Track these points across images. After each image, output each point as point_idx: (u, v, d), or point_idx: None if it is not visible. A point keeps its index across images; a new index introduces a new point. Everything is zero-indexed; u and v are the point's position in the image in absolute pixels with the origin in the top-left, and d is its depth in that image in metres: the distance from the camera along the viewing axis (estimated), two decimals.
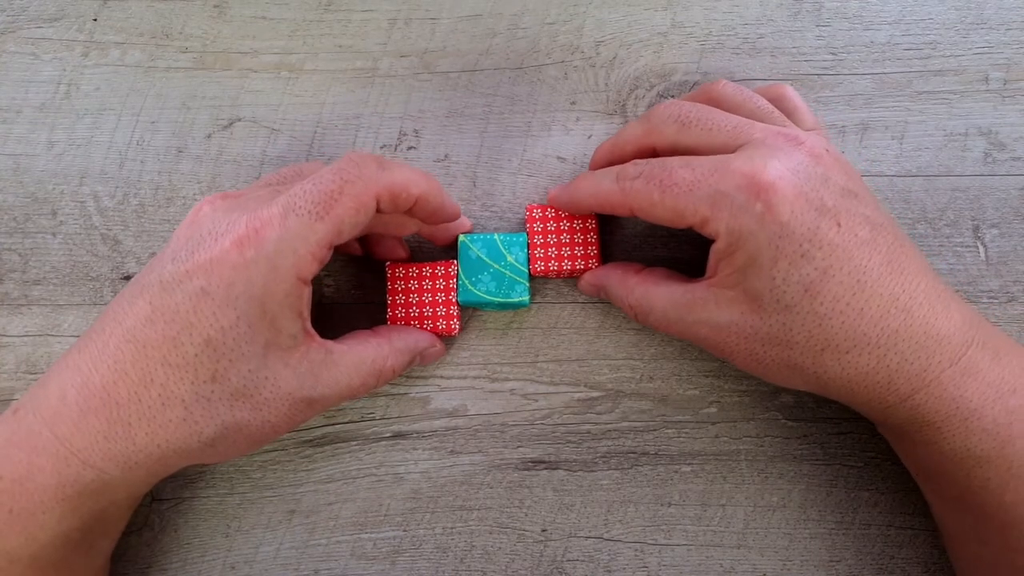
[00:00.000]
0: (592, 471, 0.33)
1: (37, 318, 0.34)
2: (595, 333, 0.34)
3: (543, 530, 0.33)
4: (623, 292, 0.30)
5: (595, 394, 0.34)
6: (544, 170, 0.35)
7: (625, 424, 0.33)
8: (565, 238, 0.32)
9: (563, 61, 0.35)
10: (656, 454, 0.33)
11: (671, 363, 0.34)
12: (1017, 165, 0.34)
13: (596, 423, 0.33)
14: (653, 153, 0.30)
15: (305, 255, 0.25)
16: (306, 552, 0.33)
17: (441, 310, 0.32)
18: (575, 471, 0.33)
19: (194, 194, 0.35)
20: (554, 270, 0.32)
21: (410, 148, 0.35)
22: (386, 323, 0.32)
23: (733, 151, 0.27)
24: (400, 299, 0.32)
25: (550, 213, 0.32)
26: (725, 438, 0.33)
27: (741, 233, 0.26)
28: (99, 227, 0.34)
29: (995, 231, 0.34)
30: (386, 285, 0.33)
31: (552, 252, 0.32)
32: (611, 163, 0.31)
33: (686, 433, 0.33)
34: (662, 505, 0.33)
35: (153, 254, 0.34)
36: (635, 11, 0.36)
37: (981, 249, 0.34)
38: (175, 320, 0.25)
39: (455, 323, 0.32)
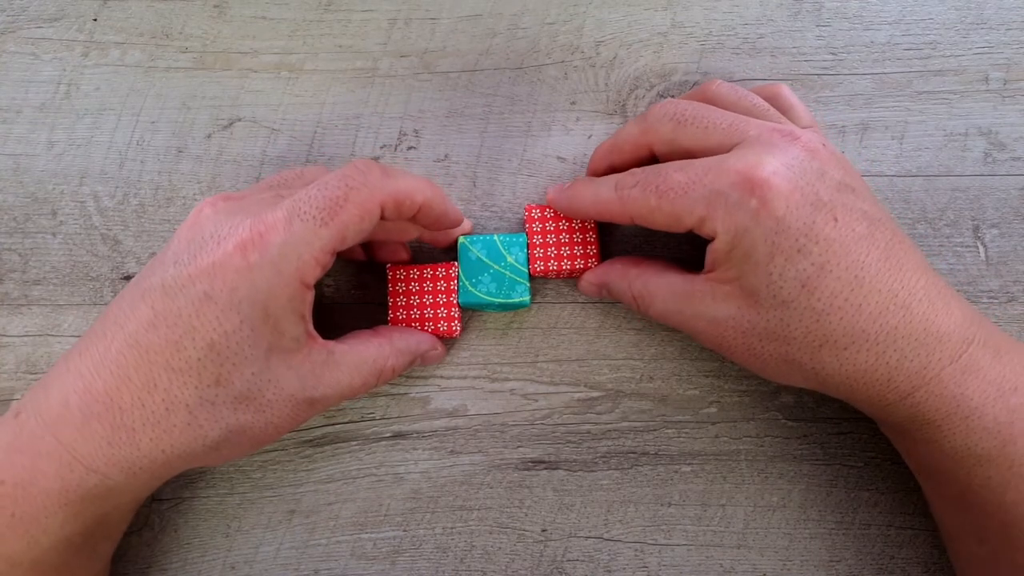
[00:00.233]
0: (592, 471, 0.33)
1: (37, 318, 0.34)
2: (595, 333, 0.34)
3: (543, 530, 0.33)
4: (624, 285, 0.30)
5: (595, 394, 0.34)
6: (544, 170, 0.35)
7: (625, 424, 0.33)
8: (564, 238, 0.32)
9: (563, 61, 0.35)
10: (656, 454, 0.33)
11: (671, 363, 0.34)
12: (1017, 165, 0.34)
13: (596, 423, 0.33)
14: (650, 153, 0.30)
15: (309, 260, 0.25)
16: (306, 552, 0.33)
17: (442, 312, 0.32)
18: (575, 471, 0.33)
19: (194, 194, 0.35)
20: (554, 270, 0.32)
21: (410, 148, 0.35)
22: (387, 324, 0.32)
23: (729, 150, 0.27)
24: (401, 301, 0.32)
25: (549, 213, 0.32)
26: (725, 438, 0.33)
27: (737, 230, 0.26)
28: (99, 227, 0.34)
29: (995, 231, 0.34)
30: (387, 287, 0.33)
31: (552, 252, 0.32)
32: (610, 164, 0.31)
33: (686, 433, 0.33)
34: (662, 505, 0.33)
35: (153, 254, 0.34)
36: (635, 11, 0.36)
37: (981, 249, 0.34)
38: (178, 324, 0.25)
39: (456, 324, 0.32)
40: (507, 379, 0.34)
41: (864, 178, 0.34)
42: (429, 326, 0.32)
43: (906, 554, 0.32)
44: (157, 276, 0.26)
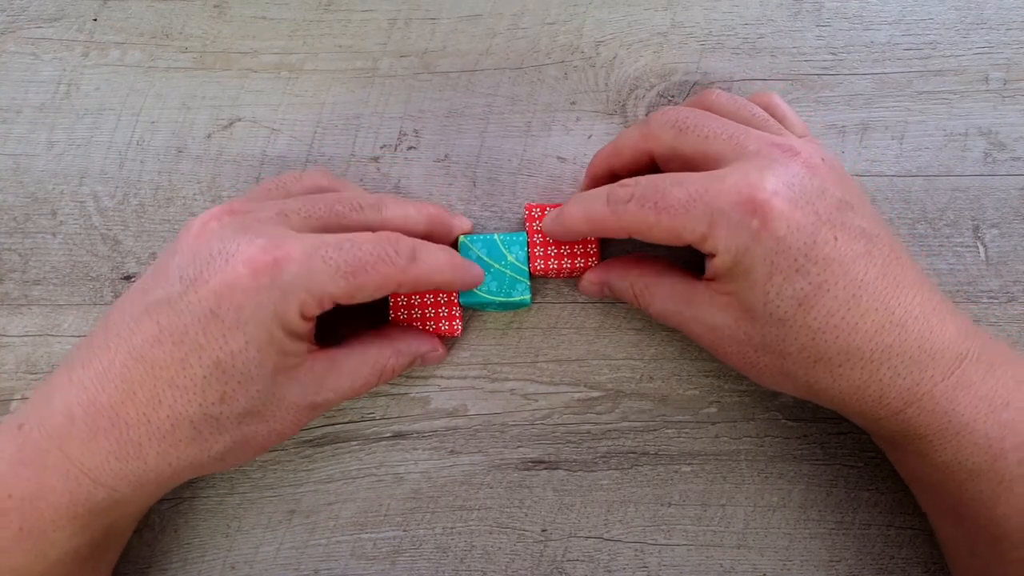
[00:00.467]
0: (592, 471, 0.33)
1: (37, 318, 0.34)
2: (595, 333, 0.34)
3: (543, 530, 0.33)
4: (626, 284, 0.31)
5: (595, 394, 0.34)
6: (544, 170, 0.35)
7: (625, 424, 0.33)
8: None
9: (563, 61, 0.35)
10: (656, 454, 0.33)
11: (671, 363, 0.34)
12: (1017, 165, 0.34)
13: (596, 423, 0.33)
14: (650, 159, 0.30)
15: (316, 299, 0.25)
16: (306, 552, 0.33)
17: (443, 311, 0.32)
18: (575, 471, 0.33)
19: (194, 194, 0.35)
20: (554, 269, 0.32)
21: (410, 148, 0.35)
22: (388, 323, 0.32)
23: (729, 162, 0.27)
24: (402, 300, 0.32)
25: (549, 212, 0.32)
26: (725, 438, 0.33)
27: (738, 250, 0.26)
28: (99, 227, 0.34)
29: (995, 231, 0.34)
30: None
31: (552, 251, 0.32)
32: (609, 168, 0.31)
33: (686, 433, 0.33)
34: (662, 505, 0.33)
35: (153, 254, 0.34)
36: (635, 11, 0.36)
37: (981, 249, 0.34)
38: (184, 342, 0.25)
39: (457, 324, 0.32)
40: (507, 379, 0.34)
41: (864, 178, 0.34)
42: (430, 325, 0.32)
43: (906, 554, 0.32)
44: (162, 290, 0.25)
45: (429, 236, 0.30)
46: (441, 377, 0.34)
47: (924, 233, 0.34)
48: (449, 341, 0.34)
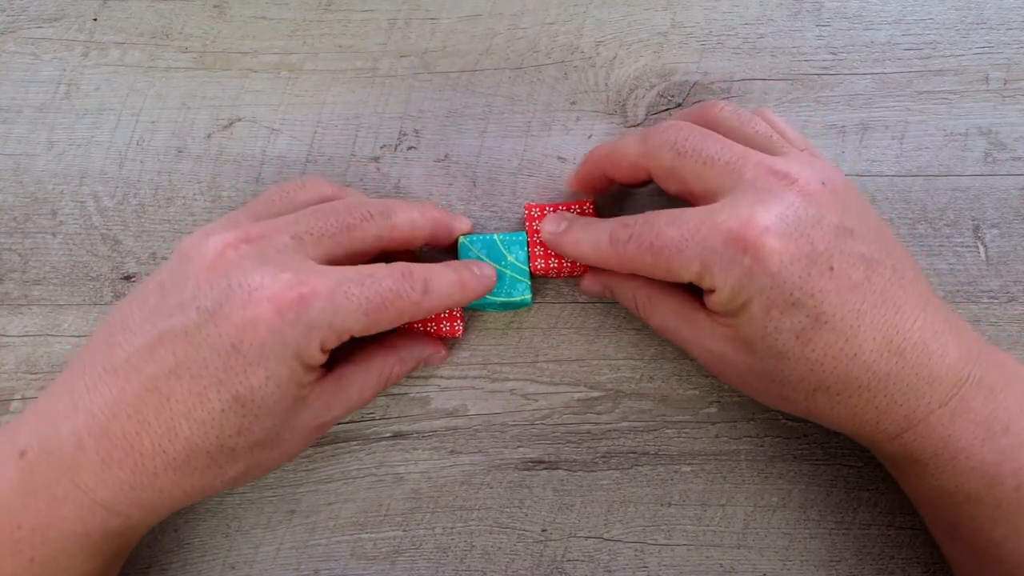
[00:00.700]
0: (592, 471, 0.33)
1: (37, 318, 0.34)
2: (595, 333, 0.34)
3: (543, 530, 0.33)
4: (628, 292, 0.31)
5: (595, 394, 0.34)
6: (544, 170, 0.35)
7: (625, 424, 0.33)
8: None
9: (563, 61, 0.35)
10: (656, 454, 0.33)
11: (671, 363, 0.34)
12: (1017, 165, 0.34)
13: (596, 423, 0.33)
14: (648, 175, 0.29)
15: (338, 334, 0.26)
16: (306, 552, 0.33)
17: (444, 312, 0.32)
18: (575, 471, 0.33)
19: (194, 194, 0.35)
20: (554, 268, 0.32)
21: (410, 148, 0.35)
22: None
23: (725, 191, 0.27)
24: None
25: (548, 212, 0.32)
26: (725, 438, 0.33)
27: (733, 287, 0.26)
28: (99, 227, 0.34)
29: (995, 231, 0.34)
30: None
31: (552, 250, 0.32)
32: (604, 172, 0.31)
33: (686, 433, 0.33)
34: (662, 505, 0.33)
35: (153, 254, 0.34)
36: (635, 11, 0.36)
37: (981, 249, 0.34)
38: (203, 376, 0.25)
39: (459, 325, 0.32)
40: (507, 379, 0.34)
41: (864, 178, 0.34)
42: (431, 327, 0.32)
43: (906, 554, 0.32)
44: (176, 319, 0.25)
45: (432, 239, 0.31)
46: (441, 377, 0.34)
47: (924, 233, 0.34)
48: (449, 341, 0.34)
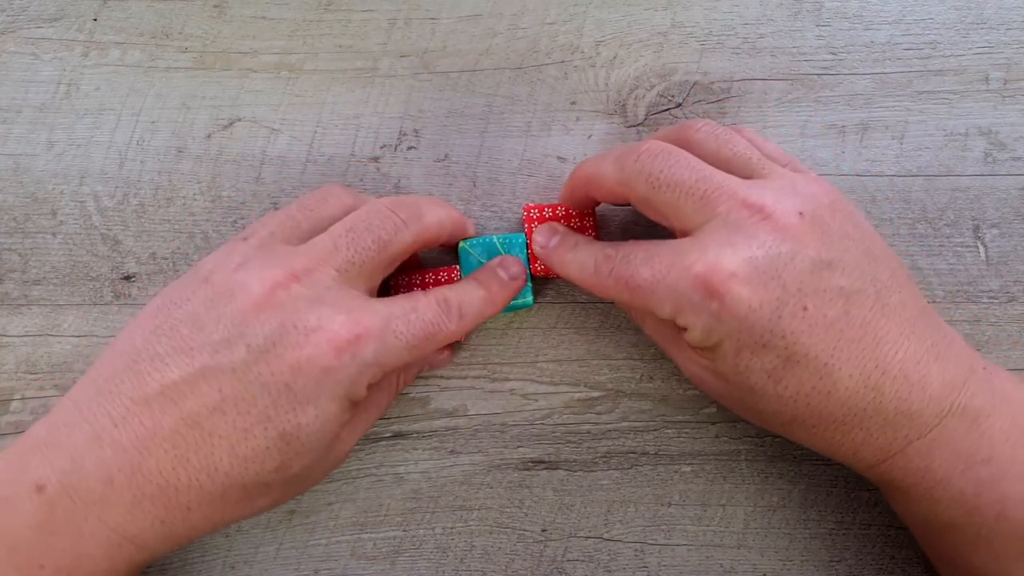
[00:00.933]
0: (592, 471, 0.33)
1: (37, 318, 0.34)
2: (595, 333, 0.34)
3: (543, 530, 0.33)
4: (622, 305, 0.32)
5: (595, 394, 0.34)
6: (544, 170, 0.35)
7: (625, 424, 0.33)
8: None
9: (563, 61, 0.35)
10: (656, 454, 0.33)
11: (671, 363, 0.34)
12: (1017, 165, 0.34)
13: (596, 423, 0.33)
14: (627, 200, 0.29)
15: (385, 369, 0.27)
16: (306, 552, 0.33)
17: None
18: (575, 471, 0.33)
19: (194, 194, 0.35)
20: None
21: (410, 148, 0.35)
22: None
23: (697, 225, 0.26)
24: None
25: (548, 212, 0.32)
26: (725, 438, 0.33)
27: (703, 328, 0.26)
28: (99, 227, 0.34)
29: (995, 231, 0.34)
30: (389, 292, 0.33)
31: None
32: (587, 194, 0.30)
33: (686, 433, 0.33)
34: (662, 505, 0.33)
35: (153, 254, 0.34)
36: (635, 11, 0.36)
37: (981, 249, 0.34)
38: (250, 413, 0.24)
39: None
40: (507, 379, 0.34)
41: (864, 178, 0.34)
42: None
43: (906, 554, 0.32)
44: (223, 356, 0.25)
45: (452, 238, 0.31)
46: (441, 377, 0.34)
47: (924, 233, 0.34)
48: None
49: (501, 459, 0.33)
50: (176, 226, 0.34)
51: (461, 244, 0.32)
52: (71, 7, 0.36)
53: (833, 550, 0.33)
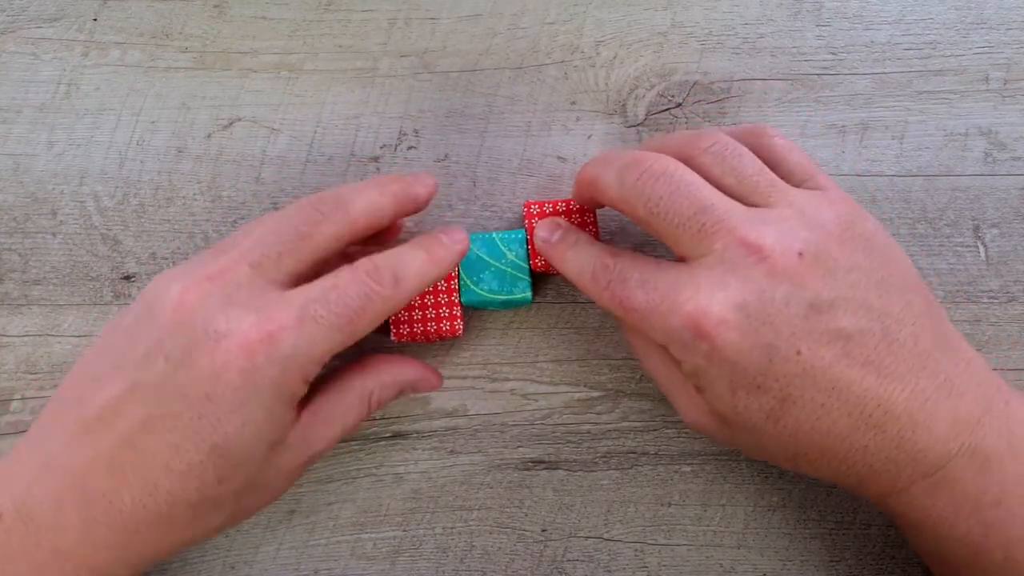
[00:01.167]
0: (592, 471, 0.33)
1: (37, 318, 0.34)
2: (595, 333, 0.34)
3: (543, 530, 0.33)
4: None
5: (595, 394, 0.34)
6: (544, 170, 0.35)
7: (625, 424, 0.33)
8: None
9: (563, 61, 0.35)
10: (656, 454, 0.33)
11: None
12: (1017, 165, 0.34)
13: (596, 423, 0.33)
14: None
15: (319, 360, 0.25)
16: (306, 552, 0.33)
17: (444, 311, 0.32)
18: (575, 471, 0.33)
19: (194, 194, 0.35)
20: None
21: (410, 148, 0.35)
22: (389, 326, 0.32)
23: (693, 258, 0.26)
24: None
25: (548, 209, 0.32)
26: None
27: (695, 367, 0.25)
28: (99, 227, 0.34)
29: (995, 231, 0.34)
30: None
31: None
32: (592, 200, 0.30)
33: (686, 433, 0.33)
34: (662, 505, 0.33)
35: (153, 254, 0.34)
36: (635, 11, 0.36)
37: (981, 249, 0.34)
38: (176, 428, 0.24)
39: (459, 324, 0.32)
40: (507, 379, 0.34)
41: (864, 178, 0.34)
42: (431, 326, 0.32)
43: (906, 554, 0.32)
44: (144, 371, 0.24)
45: (399, 214, 0.29)
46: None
47: (924, 233, 0.34)
48: (449, 341, 0.34)
49: (501, 459, 0.33)
50: (176, 226, 0.34)
51: None
52: (71, 7, 0.36)
53: (833, 550, 0.33)
